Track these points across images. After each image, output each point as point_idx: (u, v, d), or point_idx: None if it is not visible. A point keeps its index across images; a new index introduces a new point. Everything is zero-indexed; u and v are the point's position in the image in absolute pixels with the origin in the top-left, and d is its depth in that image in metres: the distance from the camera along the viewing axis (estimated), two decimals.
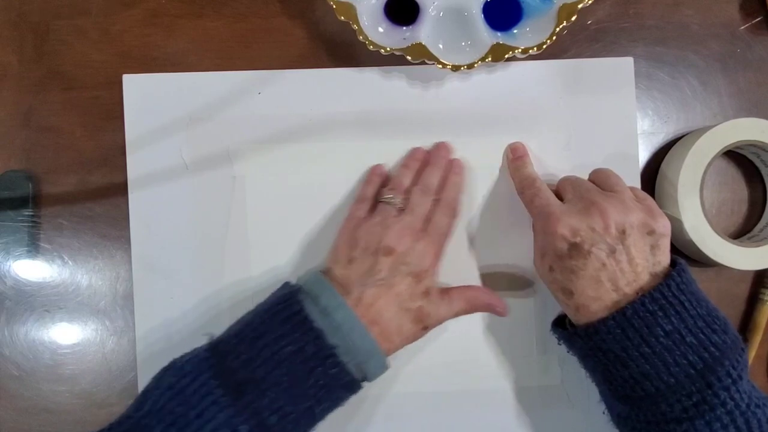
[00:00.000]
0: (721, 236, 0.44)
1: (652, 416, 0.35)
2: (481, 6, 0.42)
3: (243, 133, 0.46)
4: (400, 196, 0.43)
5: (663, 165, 0.46)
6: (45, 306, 0.46)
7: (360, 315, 0.37)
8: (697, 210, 0.44)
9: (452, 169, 0.45)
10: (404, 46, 0.42)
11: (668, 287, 0.35)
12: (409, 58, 0.42)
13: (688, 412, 0.34)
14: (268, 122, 0.46)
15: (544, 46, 0.42)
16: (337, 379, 0.36)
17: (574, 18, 0.41)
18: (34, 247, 0.46)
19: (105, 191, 0.46)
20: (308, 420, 0.36)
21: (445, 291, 0.42)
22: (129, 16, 0.46)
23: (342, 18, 0.41)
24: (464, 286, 0.43)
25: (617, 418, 0.38)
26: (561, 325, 0.42)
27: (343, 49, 0.46)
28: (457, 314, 0.42)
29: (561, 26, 0.41)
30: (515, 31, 0.43)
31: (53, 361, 0.46)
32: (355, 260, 0.39)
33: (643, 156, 0.47)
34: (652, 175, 0.47)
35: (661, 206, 0.46)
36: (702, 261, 0.45)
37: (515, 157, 0.46)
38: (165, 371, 0.36)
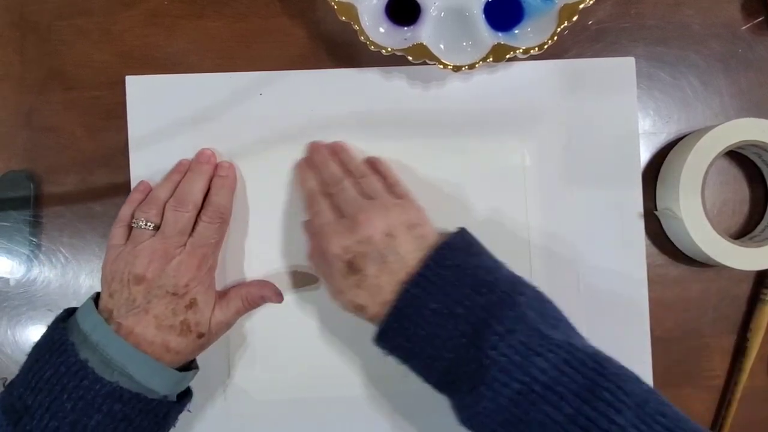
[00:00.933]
0: (722, 236, 0.44)
1: (459, 398, 0.35)
2: (483, 6, 0.42)
3: (245, 133, 0.46)
4: (153, 215, 0.42)
5: (664, 165, 0.46)
6: (47, 306, 0.46)
7: (122, 336, 0.38)
8: (698, 210, 0.44)
9: (217, 171, 0.45)
10: (405, 46, 0.42)
11: (427, 267, 0.36)
12: (410, 58, 0.42)
13: (474, 380, 0.34)
14: (269, 123, 0.46)
15: (546, 47, 0.42)
16: (92, 390, 0.36)
17: (575, 18, 0.41)
18: (35, 247, 0.46)
19: (106, 191, 0.46)
20: None
21: (222, 294, 0.43)
22: (130, 17, 0.46)
23: (343, 18, 0.41)
24: (239, 285, 0.45)
25: (452, 411, 0.38)
26: None
27: (344, 49, 0.46)
28: (238, 313, 0.43)
29: (562, 26, 0.41)
30: (516, 31, 0.42)
31: None
32: (114, 293, 0.40)
33: (644, 156, 0.47)
34: (653, 176, 0.47)
35: (662, 206, 0.46)
36: (703, 261, 0.45)
37: (301, 168, 0.45)
38: None
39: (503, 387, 0.33)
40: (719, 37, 0.47)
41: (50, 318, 0.44)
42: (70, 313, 0.40)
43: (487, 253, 0.39)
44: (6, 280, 0.46)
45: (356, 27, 0.41)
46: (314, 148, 0.46)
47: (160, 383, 0.38)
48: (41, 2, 0.46)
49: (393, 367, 0.46)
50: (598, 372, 0.33)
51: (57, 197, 0.46)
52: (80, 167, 0.46)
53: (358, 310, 0.39)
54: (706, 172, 0.43)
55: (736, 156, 0.48)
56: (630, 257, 0.46)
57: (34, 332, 0.46)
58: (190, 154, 0.45)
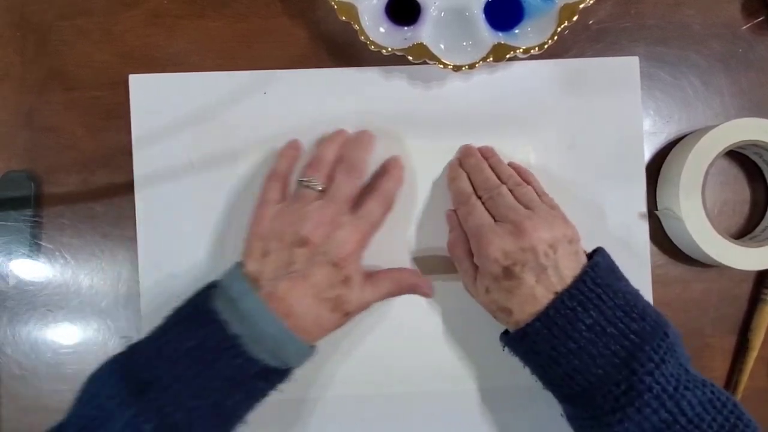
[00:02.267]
0: (722, 236, 0.43)
1: (592, 411, 0.36)
2: (483, 6, 0.42)
3: (248, 132, 0.46)
4: (322, 176, 0.41)
5: (665, 165, 0.46)
6: (47, 305, 0.46)
7: (273, 308, 0.36)
8: (698, 210, 0.43)
9: (392, 162, 0.45)
10: (405, 46, 0.42)
11: (584, 283, 0.37)
12: (410, 58, 0.42)
13: (620, 401, 0.34)
14: (271, 122, 0.46)
15: (546, 46, 0.42)
16: (243, 369, 0.35)
17: (575, 18, 0.41)
18: (36, 247, 0.46)
19: (107, 191, 0.46)
20: (220, 414, 0.36)
21: (370, 275, 0.42)
22: (130, 17, 0.47)
23: (343, 18, 0.41)
24: (390, 269, 0.44)
25: (567, 418, 0.39)
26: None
27: (344, 49, 0.46)
28: (383, 297, 0.42)
29: (562, 26, 0.41)
30: (516, 31, 0.42)
31: (55, 360, 0.46)
32: (270, 253, 0.38)
33: (645, 156, 0.47)
34: (653, 175, 0.47)
35: (662, 206, 0.46)
36: (703, 261, 0.45)
37: (453, 167, 0.45)
38: (87, 380, 0.36)
39: (652, 414, 0.34)
40: (720, 36, 0.47)
41: (50, 318, 0.44)
42: (212, 286, 0.38)
43: (626, 277, 0.39)
44: (6, 280, 0.46)
45: (356, 27, 0.42)
46: (468, 151, 0.45)
47: (296, 359, 0.38)
48: (42, 2, 0.46)
49: (394, 367, 0.46)
50: (737, 416, 0.34)
51: (57, 197, 0.46)
52: (81, 167, 0.46)
53: (502, 312, 0.39)
54: (707, 172, 0.43)
55: (737, 156, 0.48)
56: (634, 257, 0.46)
57: (34, 332, 0.46)
58: (193, 153, 0.45)
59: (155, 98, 0.46)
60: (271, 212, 0.40)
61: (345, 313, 0.39)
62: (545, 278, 0.37)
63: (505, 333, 0.41)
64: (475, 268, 0.41)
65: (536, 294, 0.37)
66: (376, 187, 0.42)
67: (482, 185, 0.43)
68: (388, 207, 0.43)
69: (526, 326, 0.37)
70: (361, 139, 0.44)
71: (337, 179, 0.41)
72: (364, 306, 0.41)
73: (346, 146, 0.43)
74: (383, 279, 0.42)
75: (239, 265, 0.39)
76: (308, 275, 0.38)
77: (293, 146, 0.44)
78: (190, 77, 0.46)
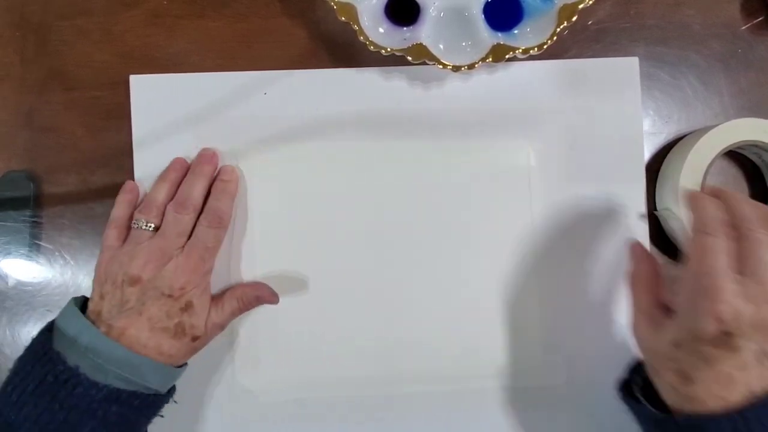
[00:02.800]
0: None
1: None
2: (482, 6, 0.42)
3: (247, 133, 0.46)
4: (153, 216, 0.42)
5: (664, 165, 0.46)
6: (46, 306, 0.46)
7: (113, 338, 0.37)
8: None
9: (219, 175, 0.44)
10: (405, 46, 0.42)
11: None
12: (409, 58, 0.42)
13: None
14: (271, 122, 0.46)
15: (545, 47, 0.42)
16: (87, 396, 0.35)
17: (574, 18, 0.41)
18: (35, 247, 0.46)
19: (106, 191, 0.46)
20: None
21: (217, 297, 0.43)
22: (130, 17, 0.47)
23: (343, 18, 0.41)
24: (235, 286, 0.44)
25: None
26: (629, 389, 0.37)
27: (343, 49, 0.46)
28: (233, 315, 0.43)
29: (562, 26, 0.41)
30: (516, 31, 0.42)
31: None
32: (106, 295, 0.39)
33: (645, 156, 0.47)
34: (653, 176, 0.47)
35: (662, 206, 0.46)
36: None
37: (694, 193, 0.38)
38: None
39: None
40: (719, 37, 0.47)
41: (49, 318, 0.44)
42: (48, 329, 0.39)
43: None
44: (5, 281, 0.46)
45: (356, 27, 0.42)
46: (717, 191, 0.37)
47: (154, 380, 0.38)
48: (42, 2, 0.46)
49: (394, 367, 0.46)
50: None
51: (57, 197, 0.46)
52: (80, 167, 0.46)
53: (677, 375, 0.32)
54: (706, 172, 0.43)
55: (736, 156, 0.47)
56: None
57: (33, 333, 0.46)
58: (193, 153, 0.45)
59: (156, 99, 0.46)
60: (106, 257, 0.41)
61: (193, 338, 0.40)
62: (756, 365, 0.30)
63: (626, 387, 0.37)
64: (664, 311, 0.35)
65: (736, 380, 0.30)
66: (205, 208, 0.43)
67: (739, 220, 0.34)
68: (219, 225, 0.42)
69: (707, 420, 0.30)
70: (194, 170, 0.44)
71: (167, 216, 0.42)
72: (216, 328, 0.42)
73: (179, 181, 0.44)
74: (227, 299, 0.43)
75: (74, 305, 0.39)
76: (143, 310, 0.39)
77: (128, 189, 0.44)
78: (190, 78, 0.46)
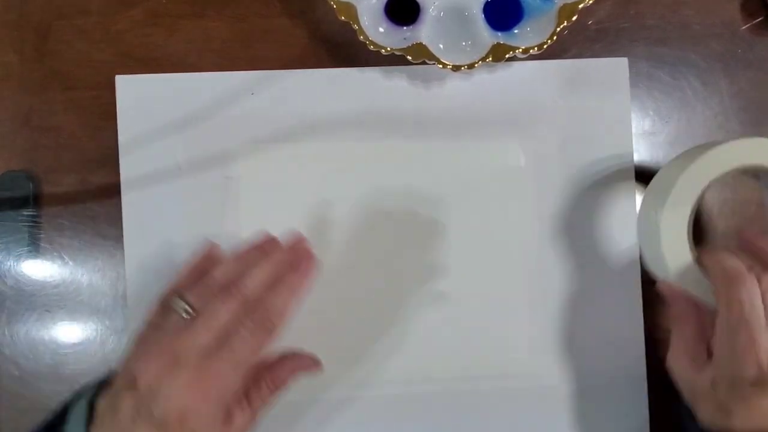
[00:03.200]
0: (694, 262, 0.39)
1: None
2: (482, 6, 0.42)
3: (238, 133, 0.46)
4: (194, 297, 0.33)
5: (658, 174, 0.42)
6: (45, 306, 0.46)
7: None
8: (685, 258, 0.38)
9: (297, 265, 0.36)
10: (405, 46, 0.42)
11: None
12: (409, 58, 0.42)
13: None
14: (264, 123, 0.46)
15: (545, 46, 0.42)
16: None
17: (574, 18, 0.41)
18: (34, 247, 0.46)
19: (106, 191, 0.46)
20: None
21: (234, 403, 0.32)
22: (130, 16, 0.46)
23: (342, 18, 0.41)
24: (254, 381, 0.34)
25: None
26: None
27: (343, 49, 0.46)
28: (262, 410, 0.35)
29: (561, 26, 0.41)
30: (516, 31, 0.42)
31: (54, 361, 0.46)
32: (109, 396, 0.32)
33: (644, 156, 0.47)
34: (649, 177, 0.47)
35: (644, 212, 0.42)
36: (657, 275, 0.42)
37: (708, 251, 0.37)
38: None
39: None
40: (719, 37, 0.47)
41: (48, 318, 0.44)
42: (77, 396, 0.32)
43: None
44: (4, 281, 0.46)
45: (356, 27, 0.42)
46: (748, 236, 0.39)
47: None
48: (41, 2, 0.46)
49: (388, 369, 0.46)
50: None
51: (56, 197, 0.46)
52: (80, 167, 0.46)
53: (718, 409, 0.33)
54: (701, 195, 0.39)
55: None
56: (624, 256, 0.46)
57: (32, 333, 0.46)
58: (181, 154, 0.45)
59: (142, 99, 0.45)
60: (138, 335, 0.34)
61: None
62: None
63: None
64: (703, 352, 0.35)
65: None
66: (255, 303, 0.33)
67: (763, 262, 0.35)
68: (267, 334, 0.33)
69: None
70: (269, 254, 0.35)
71: (203, 300, 0.32)
72: None
73: (243, 259, 0.35)
74: (253, 396, 0.34)
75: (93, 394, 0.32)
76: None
77: (204, 253, 0.36)
78: (178, 78, 0.46)
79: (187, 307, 0.33)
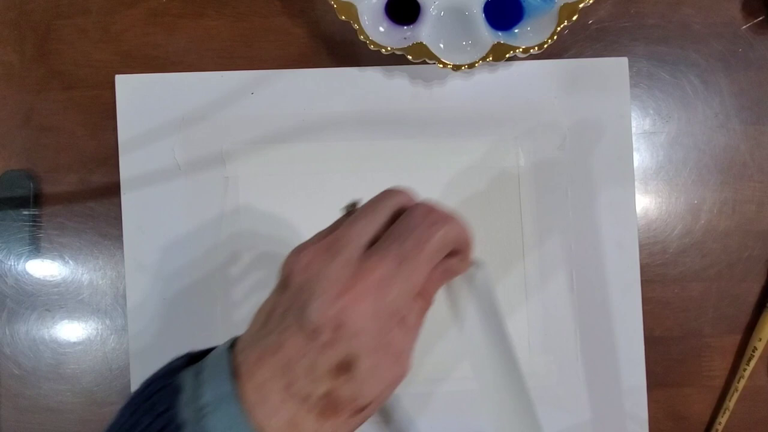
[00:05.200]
0: None
1: None
2: (482, 5, 0.42)
3: (237, 133, 0.46)
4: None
5: None
6: (46, 305, 0.46)
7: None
8: None
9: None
10: (405, 45, 0.42)
11: None
12: (409, 57, 0.42)
13: None
14: (263, 122, 0.46)
15: (545, 46, 0.42)
16: None
17: (575, 17, 0.41)
18: (35, 247, 0.46)
19: (106, 190, 0.46)
20: None
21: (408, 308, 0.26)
22: (130, 16, 0.46)
23: (343, 17, 0.41)
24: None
25: None
26: None
27: (343, 48, 0.46)
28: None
29: (562, 26, 0.41)
30: (516, 30, 0.42)
31: (54, 360, 0.46)
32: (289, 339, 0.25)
33: (644, 156, 0.47)
34: (649, 175, 0.47)
35: None
36: None
37: None
38: None
39: None
40: (720, 36, 0.47)
41: (49, 318, 0.44)
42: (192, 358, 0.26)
43: None
44: (4, 280, 0.46)
45: (356, 26, 0.41)
46: None
47: None
48: (41, 1, 0.46)
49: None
50: None
51: (56, 197, 0.46)
52: (80, 166, 0.46)
53: None
54: None
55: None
56: (623, 257, 0.46)
57: (32, 332, 0.46)
58: (180, 154, 0.45)
59: (142, 99, 0.46)
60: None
61: (357, 409, 0.25)
62: None
63: None
64: None
65: None
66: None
67: None
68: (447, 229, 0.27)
69: None
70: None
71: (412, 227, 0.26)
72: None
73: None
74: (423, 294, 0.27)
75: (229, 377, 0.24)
76: (282, 343, 0.24)
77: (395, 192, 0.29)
78: (177, 77, 0.46)
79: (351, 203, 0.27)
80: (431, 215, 0.26)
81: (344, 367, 0.24)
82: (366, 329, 0.24)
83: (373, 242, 0.26)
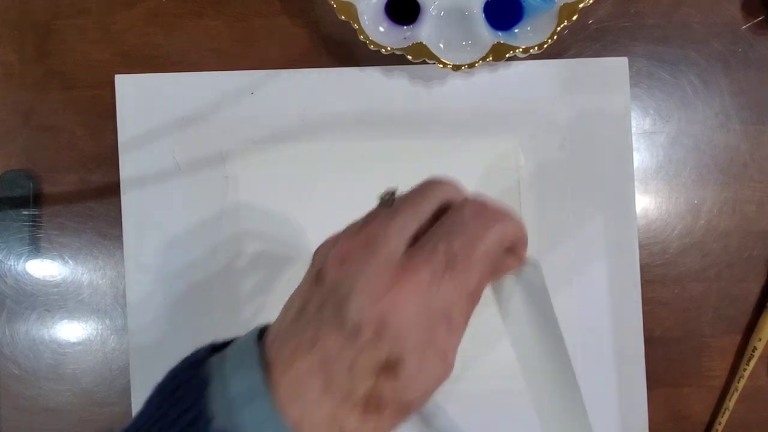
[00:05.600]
0: None
1: None
2: (482, 5, 0.42)
3: (237, 133, 0.46)
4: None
5: None
6: (46, 305, 0.46)
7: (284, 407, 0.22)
8: None
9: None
10: (405, 45, 0.42)
11: None
12: (409, 57, 0.42)
13: None
14: (264, 122, 0.46)
15: (545, 46, 0.42)
16: None
17: (575, 17, 0.41)
18: (34, 247, 0.46)
19: (105, 190, 0.46)
20: None
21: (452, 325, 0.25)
22: (129, 16, 0.46)
23: (342, 17, 0.41)
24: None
25: None
26: None
27: (343, 48, 0.46)
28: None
29: (562, 26, 0.41)
30: (516, 30, 0.42)
31: (54, 360, 0.46)
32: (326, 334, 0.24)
33: (644, 156, 0.47)
34: (649, 175, 0.47)
35: None
36: None
37: None
38: None
39: None
40: (720, 36, 0.47)
41: (48, 318, 0.44)
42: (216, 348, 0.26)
43: None
44: (4, 280, 0.46)
45: (356, 26, 0.41)
46: None
47: None
48: (41, 1, 0.46)
49: None
50: None
51: (56, 196, 0.46)
52: (79, 166, 0.46)
53: None
54: None
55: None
56: (623, 257, 0.46)
57: (32, 332, 0.46)
58: (180, 154, 0.45)
59: (141, 99, 0.46)
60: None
61: (398, 409, 0.24)
62: None
63: None
64: None
65: None
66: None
67: None
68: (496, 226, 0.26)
69: None
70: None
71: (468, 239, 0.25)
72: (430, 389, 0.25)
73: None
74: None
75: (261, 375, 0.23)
76: (318, 338, 0.23)
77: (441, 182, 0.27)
78: (177, 77, 0.46)
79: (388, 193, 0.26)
80: (484, 212, 0.26)
81: (388, 367, 0.23)
82: (411, 330, 0.23)
83: (416, 237, 0.25)
